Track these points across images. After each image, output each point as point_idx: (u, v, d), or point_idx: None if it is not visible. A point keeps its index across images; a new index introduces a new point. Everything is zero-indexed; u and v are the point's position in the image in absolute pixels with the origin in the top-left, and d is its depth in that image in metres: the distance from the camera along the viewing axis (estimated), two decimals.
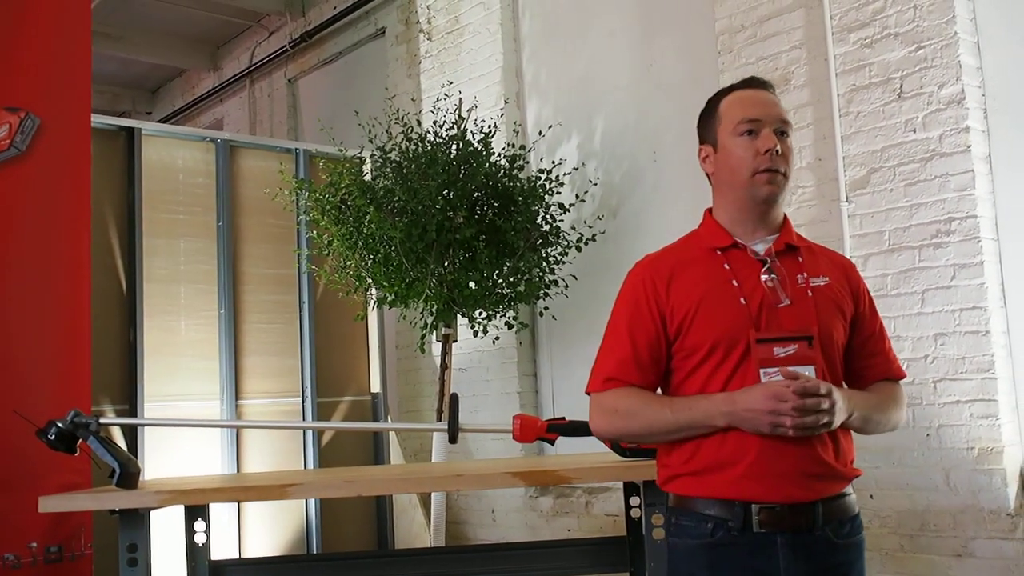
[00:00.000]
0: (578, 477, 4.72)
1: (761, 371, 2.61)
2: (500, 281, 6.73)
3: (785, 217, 2.85)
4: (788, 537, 2.59)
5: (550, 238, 6.83)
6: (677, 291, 2.74)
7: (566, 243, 6.87)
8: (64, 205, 5.58)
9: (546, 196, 6.82)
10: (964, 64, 5.36)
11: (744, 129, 2.74)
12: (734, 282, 2.71)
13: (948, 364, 5.32)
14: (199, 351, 6.89)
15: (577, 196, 7.25)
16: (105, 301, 6.36)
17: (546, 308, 7.01)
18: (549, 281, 6.86)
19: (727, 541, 2.62)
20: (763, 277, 2.72)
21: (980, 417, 5.21)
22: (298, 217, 7.30)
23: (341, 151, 7.18)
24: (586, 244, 6.84)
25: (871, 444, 5.53)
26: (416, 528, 7.76)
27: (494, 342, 7.30)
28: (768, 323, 2.67)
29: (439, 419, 6.83)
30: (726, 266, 2.75)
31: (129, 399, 6.45)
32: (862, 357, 2.83)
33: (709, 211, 2.90)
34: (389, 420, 8.12)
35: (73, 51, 5.72)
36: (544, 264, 6.82)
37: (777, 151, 2.70)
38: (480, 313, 6.78)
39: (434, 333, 6.86)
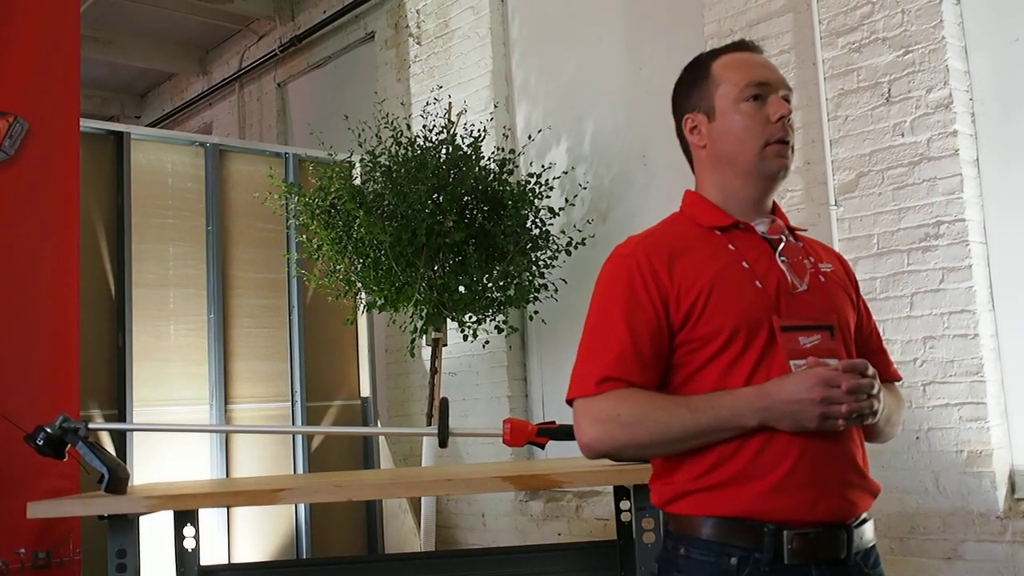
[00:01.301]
0: (568, 481, 4.72)
1: (792, 363, 2.22)
2: (490, 285, 6.73)
3: (773, 200, 2.52)
4: (823, 569, 2.19)
5: (540, 242, 6.83)
6: (682, 273, 2.32)
7: (556, 247, 6.87)
8: (53, 209, 5.56)
9: (536, 200, 6.82)
10: (952, 68, 5.38)
11: (751, 93, 2.38)
12: (744, 264, 2.34)
13: (937, 367, 5.33)
14: (188, 356, 6.88)
15: (567, 200, 7.25)
16: (94, 306, 6.34)
17: (536, 312, 7.01)
18: (539, 285, 6.86)
19: None
20: (780, 259, 2.37)
21: (969, 420, 5.21)
22: (287, 221, 7.29)
23: (331, 155, 7.18)
24: (576, 248, 6.83)
25: None
26: (406, 532, 7.75)
27: (484, 346, 7.30)
28: (788, 309, 2.30)
29: (429, 423, 6.83)
30: (731, 247, 2.37)
31: (118, 404, 6.44)
32: (865, 355, 2.43)
33: (692, 191, 2.57)
34: (379, 424, 8.12)
35: (62, 55, 5.70)
36: (534, 268, 6.82)
37: (789, 120, 2.38)
38: (470, 317, 6.78)
39: (424, 337, 6.86)
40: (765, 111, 2.37)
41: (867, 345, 2.52)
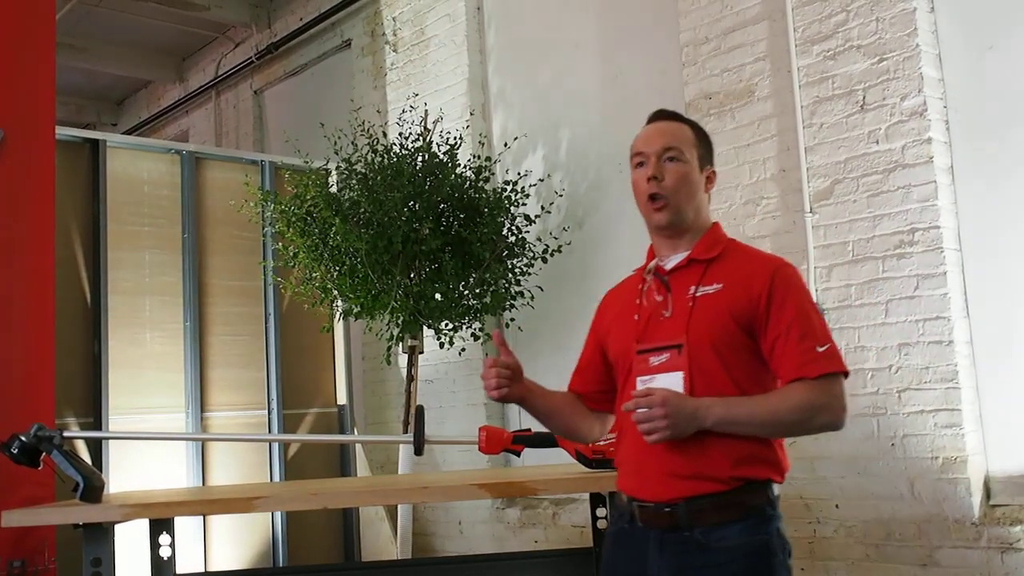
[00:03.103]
0: (544, 488, 4.73)
1: (637, 379, 2.87)
2: (466, 292, 6.73)
3: (709, 231, 3.00)
4: (658, 534, 2.82)
5: (516, 249, 6.83)
6: (606, 316, 3.15)
7: (532, 254, 6.88)
8: (28, 217, 5.53)
9: (512, 207, 6.83)
10: (926, 76, 5.41)
11: (636, 162, 3.00)
12: (638, 301, 2.99)
13: (912, 374, 5.35)
14: (164, 363, 6.86)
15: (543, 207, 7.26)
16: (70, 314, 6.32)
17: (512, 319, 7.01)
18: (515, 292, 6.87)
19: (622, 532, 2.94)
20: (657, 292, 2.95)
21: (944, 427, 5.24)
22: (264, 229, 7.28)
23: (307, 163, 7.17)
24: (552, 255, 6.84)
25: (836, 453, 5.58)
26: (383, 540, 7.74)
27: (460, 353, 7.30)
28: (651, 335, 2.90)
29: (405, 431, 6.82)
30: (640, 286, 3.01)
31: (94, 412, 6.42)
32: (772, 360, 2.84)
33: None
34: (355, 432, 8.10)
35: (37, 62, 5.68)
36: (510, 275, 6.82)
37: (656, 178, 2.91)
38: (446, 324, 6.78)
39: (400, 345, 6.86)
40: (643, 174, 2.95)
41: (773, 349, 2.84)
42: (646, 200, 2.94)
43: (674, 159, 2.93)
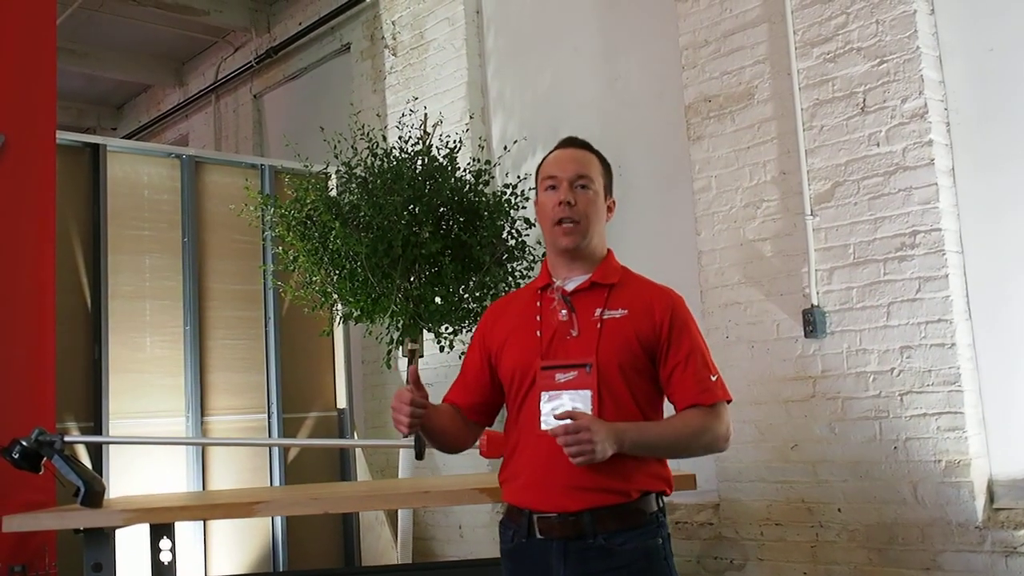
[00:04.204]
0: None
1: (541, 393, 2.99)
2: (466, 296, 6.72)
3: (606, 258, 3.19)
4: (561, 544, 2.93)
5: (516, 253, 6.81)
6: (497, 328, 3.22)
7: (532, 258, 6.86)
8: (28, 221, 5.54)
9: (511, 211, 6.81)
10: (926, 78, 5.40)
11: (547, 185, 3.16)
12: (538, 317, 3.10)
13: (914, 377, 5.34)
14: (164, 368, 6.86)
15: None
16: (70, 318, 6.32)
17: None
18: None
19: (519, 548, 3.02)
20: (562, 312, 3.06)
21: (947, 430, 5.22)
22: (263, 233, 7.27)
23: (307, 167, 7.16)
24: None
25: (838, 457, 5.57)
26: (383, 545, 7.73)
27: (460, 357, 7.29)
28: (556, 352, 3.02)
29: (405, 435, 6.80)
30: (538, 304, 3.14)
31: (94, 417, 6.41)
32: (669, 385, 3.06)
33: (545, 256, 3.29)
34: (355, 436, 8.09)
35: (38, 67, 5.68)
36: (510, 279, 6.80)
37: (569, 203, 3.08)
38: (446, 328, 6.77)
39: (400, 348, 6.84)
40: (554, 198, 3.12)
41: (672, 376, 3.05)
42: (555, 223, 3.10)
43: (584, 186, 3.14)
